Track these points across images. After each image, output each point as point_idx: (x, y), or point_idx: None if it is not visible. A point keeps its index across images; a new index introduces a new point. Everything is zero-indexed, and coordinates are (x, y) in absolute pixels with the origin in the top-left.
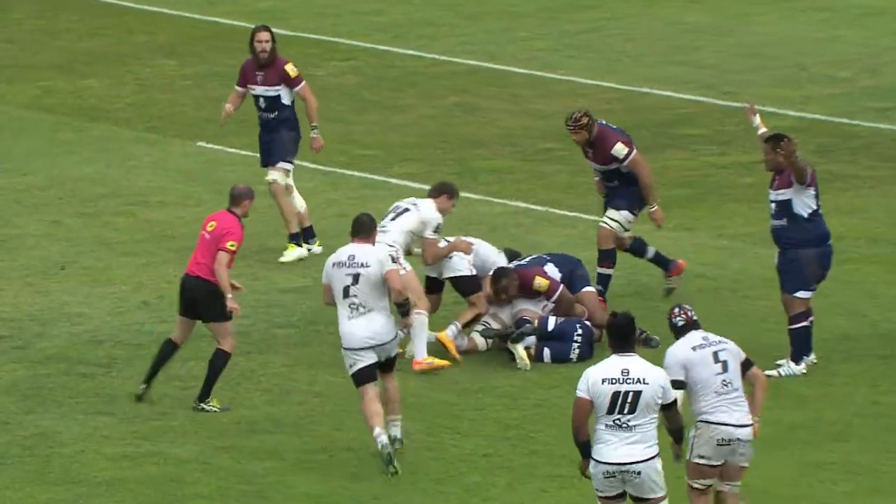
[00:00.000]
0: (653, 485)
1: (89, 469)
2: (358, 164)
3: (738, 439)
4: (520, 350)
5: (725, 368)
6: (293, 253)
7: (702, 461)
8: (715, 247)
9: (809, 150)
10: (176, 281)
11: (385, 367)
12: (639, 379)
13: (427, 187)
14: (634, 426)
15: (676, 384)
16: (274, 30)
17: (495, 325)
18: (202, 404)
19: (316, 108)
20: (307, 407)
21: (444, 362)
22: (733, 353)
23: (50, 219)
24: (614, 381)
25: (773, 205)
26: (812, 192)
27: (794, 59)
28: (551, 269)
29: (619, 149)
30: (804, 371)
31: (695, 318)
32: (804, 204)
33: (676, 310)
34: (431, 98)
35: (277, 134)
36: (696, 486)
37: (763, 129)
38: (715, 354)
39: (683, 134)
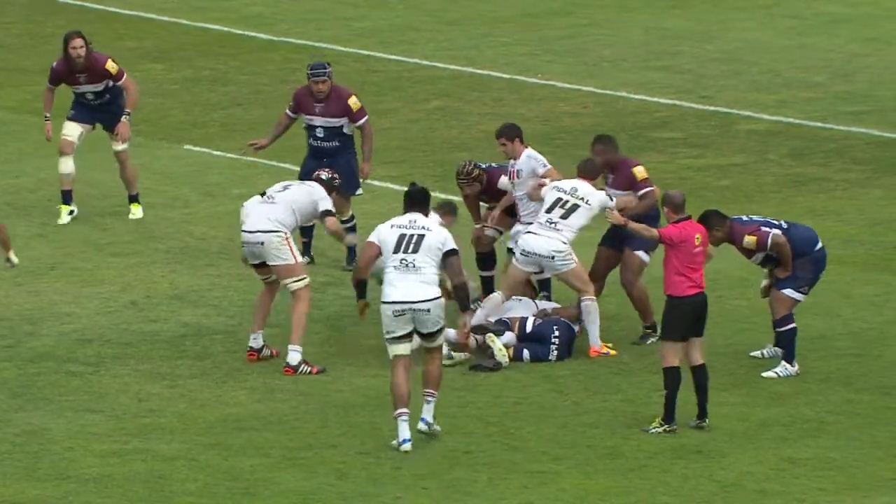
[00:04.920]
0: (438, 319)
1: (78, 465)
2: None
3: None
4: (498, 344)
5: None
6: (140, 210)
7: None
8: None
9: (784, 154)
10: (162, 281)
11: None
12: (423, 227)
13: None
14: (420, 267)
15: None
16: (260, 35)
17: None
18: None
19: (136, 97)
20: (292, 405)
21: (614, 352)
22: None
23: (39, 220)
24: (402, 226)
25: (756, 264)
26: (773, 233)
27: (769, 64)
28: None
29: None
30: (798, 371)
31: None
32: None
33: None
34: (414, 102)
35: (114, 107)
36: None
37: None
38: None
39: (660, 137)
